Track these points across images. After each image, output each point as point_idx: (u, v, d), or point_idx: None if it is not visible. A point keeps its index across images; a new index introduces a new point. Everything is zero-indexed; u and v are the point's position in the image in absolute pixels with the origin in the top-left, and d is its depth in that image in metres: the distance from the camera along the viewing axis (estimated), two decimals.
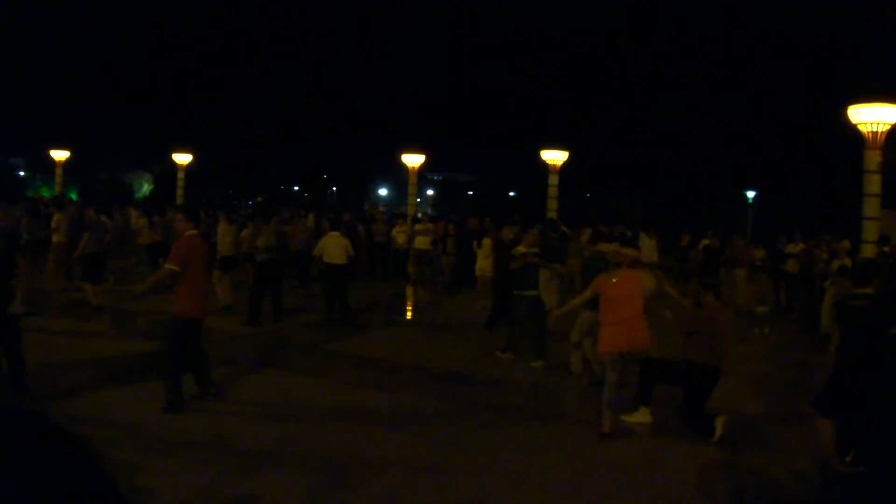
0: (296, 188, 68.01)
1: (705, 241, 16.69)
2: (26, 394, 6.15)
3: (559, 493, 5.02)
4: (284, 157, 58.85)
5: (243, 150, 55.45)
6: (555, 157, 23.34)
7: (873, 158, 13.70)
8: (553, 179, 23.55)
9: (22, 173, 53.75)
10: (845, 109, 13.92)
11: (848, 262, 11.61)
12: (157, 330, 9.93)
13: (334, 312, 11.04)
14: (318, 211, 24.83)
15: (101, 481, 0.83)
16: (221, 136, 49.81)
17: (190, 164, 30.08)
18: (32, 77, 46.71)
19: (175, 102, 47.91)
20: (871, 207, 13.87)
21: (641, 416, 6.52)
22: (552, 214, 22.99)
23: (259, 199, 58.28)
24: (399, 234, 17.78)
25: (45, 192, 39.45)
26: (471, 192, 64.27)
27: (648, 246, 17.19)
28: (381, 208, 41.71)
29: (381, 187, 68.02)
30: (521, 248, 9.12)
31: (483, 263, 13.04)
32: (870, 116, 13.53)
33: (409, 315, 13.57)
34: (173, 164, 30.42)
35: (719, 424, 6.00)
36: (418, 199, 40.26)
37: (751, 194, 41.02)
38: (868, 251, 13.16)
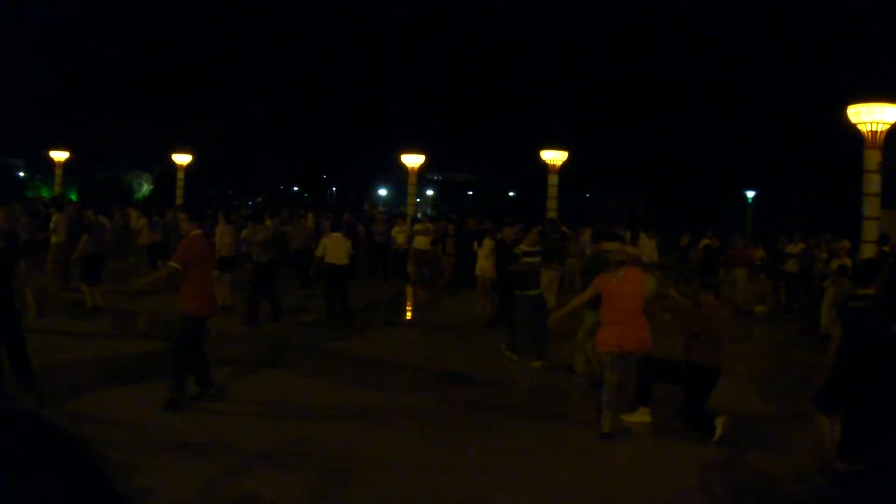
0: (296, 188, 68.04)
1: (705, 241, 16.69)
2: (36, 396, 6.10)
3: (559, 492, 5.02)
4: (284, 157, 58.86)
5: (243, 150, 55.47)
6: (554, 157, 23.35)
7: (873, 158, 13.72)
8: (553, 179, 23.57)
9: (21, 174, 53.76)
10: (845, 109, 13.93)
11: (847, 261, 11.61)
12: (157, 330, 9.97)
13: (334, 312, 11.05)
14: (318, 211, 24.85)
15: (101, 482, 0.83)
16: (221, 136, 49.82)
17: (190, 165, 30.10)
18: (32, 77, 46.71)
19: (175, 102, 47.90)
20: (870, 207, 13.89)
21: (641, 416, 6.52)
22: (552, 214, 23.00)
23: (259, 199, 58.30)
24: (399, 234, 17.78)
25: (45, 193, 39.47)
26: (470, 192, 64.32)
27: (648, 246, 17.21)
28: (380, 208, 41.73)
29: (381, 187, 68.07)
30: (523, 247, 9.12)
31: (483, 263, 13.04)
32: (869, 116, 13.55)
33: (408, 315, 13.57)
34: (173, 164, 30.43)
35: (719, 424, 6.01)
36: (418, 200, 40.26)
37: (750, 194, 41.04)
38: (868, 251, 13.18)
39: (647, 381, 6.55)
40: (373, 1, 59.54)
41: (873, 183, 13.82)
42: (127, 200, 37.38)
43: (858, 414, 3.05)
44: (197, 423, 6.05)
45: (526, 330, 8.94)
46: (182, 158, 29.82)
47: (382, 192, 68.09)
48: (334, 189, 68.46)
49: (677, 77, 46.99)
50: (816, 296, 12.51)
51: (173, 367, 6.47)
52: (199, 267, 6.53)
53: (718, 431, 5.99)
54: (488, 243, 12.99)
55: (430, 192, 68.21)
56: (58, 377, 7.01)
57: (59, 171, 29.88)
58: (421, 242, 16.65)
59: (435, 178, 67.25)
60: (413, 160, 24.33)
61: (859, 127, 13.75)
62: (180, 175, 30.10)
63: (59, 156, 29.56)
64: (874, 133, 13.55)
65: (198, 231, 6.74)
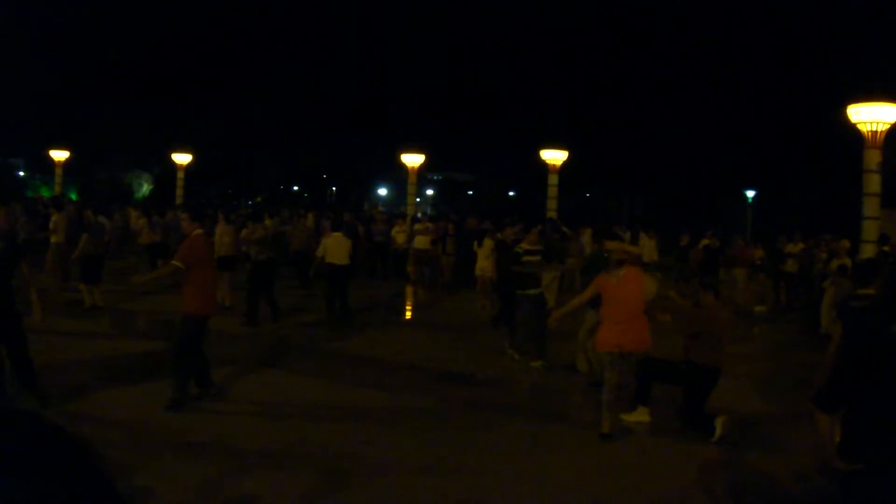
0: (295, 188, 68.03)
1: (705, 241, 16.70)
2: (39, 396, 6.07)
3: (559, 492, 5.02)
4: (284, 157, 58.85)
5: (243, 150, 55.46)
6: (554, 157, 23.35)
7: (873, 158, 13.72)
8: (553, 179, 23.57)
9: (21, 173, 53.73)
10: (845, 109, 13.93)
11: (847, 261, 11.61)
12: (157, 330, 9.97)
13: (334, 312, 11.05)
14: (318, 211, 24.85)
15: (100, 482, 0.83)
16: (221, 136, 49.80)
17: (189, 164, 30.10)
18: (32, 77, 46.70)
19: (175, 102, 47.86)
20: (870, 207, 13.89)
21: (640, 416, 6.51)
22: (552, 214, 23.01)
23: (259, 198, 58.28)
24: (398, 234, 17.78)
25: (45, 193, 39.44)
26: (470, 192, 64.32)
27: (648, 246, 17.22)
28: (380, 208, 41.72)
29: (381, 187, 68.05)
30: (524, 245, 9.14)
31: (483, 263, 13.03)
32: (869, 116, 13.55)
33: (408, 315, 13.57)
34: (173, 164, 30.43)
35: (719, 424, 6.01)
36: (418, 199, 40.25)
37: (750, 194, 41.04)
38: (868, 251, 13.17)
39: (646, 380, 6.55)
40: (373, 1, 59.53)
41: (873, 183, 13.82)
42: (127, 200, 37.39)
43: (858, 414, 3.06)
44: (197, 423, 6.05)
45: (526, 330, 8.94)
46: (182, 158, 29.82)
47: (382, 191, 68.08)
48: (334, 189, 68.45)
49: (677, 77, 47.01)
50: (816, 296, 12.51)
51: (175, 368, 6.49)
52: (201, 267, 6.55)
53: (718, 431, 5.99)
54: (488, 243, 12.99)
55: (430, 192, 68.19)
56: (58, 377, 7.01)
57: (58, 171, 29.88)
58: (421, 242, 16.65)
59: (435, 177, 67.24)
60: (413, 160, 24.32)
61: (859, 127, 13.75)
62: (180, 175, 30.10)
63: (59, 155, 29.56)
64: (874, 133, 13.55)
65: (200, 231, 6.76)
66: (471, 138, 53.66)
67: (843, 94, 14.19)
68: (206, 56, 54.66)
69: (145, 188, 54.76)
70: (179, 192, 30.02)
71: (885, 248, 13.06)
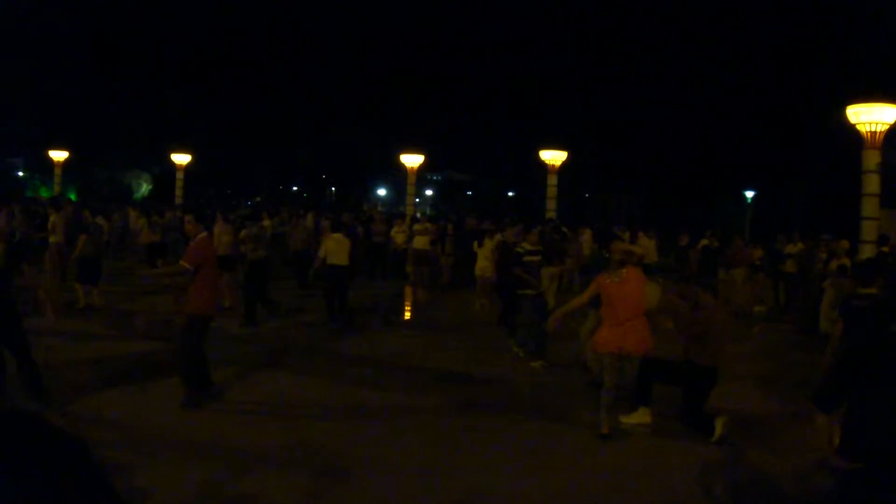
0: (295, 188, 68.01)
1: (704, 242, 16.70)
2: (42, 397, 6.03)
3: (559, 492, 5.02)
4: (284, 157, 58.83)
5: (242, 150, 55.43)
6: (554, 157, 23.37)
7: (872, 158, 13.74)
8: (552, 179, 23.58)
9: (21, 173, 53.69)
10: (845, 109, 13.95)
11: (847, 262, 11.61)
12: (156, 330, 9.97)
13: (334, 313, 11.05)
14: (317, 211, 24.85)
15: (99, 482, 0.83)
16: (221, 136, 49.81)
17: (189, 164, 30.10)
18: (31, 77, 46.63)
19: (175, 102, 47.79)
20: (869, 207, 13.91)
21: (641, 417, 6.49)
22: (551, 214, 23.04)
23: (258, 198, 58.24)
24: (398, 234, 17.78)
25: (44, 193, 39.40)
26: (469, 193, 64.31)
27: (648, 246, 17.20)
28: (379, 208, 41.71)
29: (380, 187, 68.01)
30: (525, 245, 9.15)
31: (483, 263, 13.05)
32: (869, 116, 13.58)
33: (407, 315, 13.57)
34: (172, 164, 30.43)
35: (719, 424, 6.00)
36: (417, 200, 40.25)
37: (750, 194, 41.07)
38: (867, 251, 13.19)
39: (647, 381, 6.54)
40: (373, 1, 59.53)
41: (872, 183, 13.84)
42: (126, 200, 37.36)
43: (858, 413, 3.06)
44: (197, 423, 6.05)
45: (526, 330, 8.95)
46: (181, 158, 29.82)
47: (382, 191, 68.05)
48: (333, 189, 68.43)
49: (677, 77, 47.04)
50: (815, 296, 12.51)
51: (182, 368, 6.53)
52: (205, 268, 6.61)
53: (718, 431, 5.99)
54: (489, 243, 13.00)
55: (429, 192, 68.17)
56: (57, 377, 7.00)
57: (58, 171, 29.86)
58: (420, 242, 16.64)
59: (434, 178, 67.21)
60: (412, 160, 24.33)
61: (859, 127, 13.77)
62: (179, 175, 30.10)
63: (59, 156, 29.55)
64: (873, 133, 13.57)
65: (205, 233, 6.83)
66: (470, 138, 53.68)
67: (843, 95, 14.21)
68: (205, 56, 54.65)
69: (144, 188, 54.73)
70: (179, 192, 30.03)
71: (885, 249, 13.07)
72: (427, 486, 4.99)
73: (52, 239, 12.88)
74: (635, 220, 31.17)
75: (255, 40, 57.47)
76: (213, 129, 48.95)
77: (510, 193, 59.58)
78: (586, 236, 17.77)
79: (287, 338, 10.08)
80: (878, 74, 15.47)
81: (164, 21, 52.62)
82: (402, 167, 25.01)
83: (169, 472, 4.96)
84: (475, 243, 13.85)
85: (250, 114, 53.03)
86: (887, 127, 13.53)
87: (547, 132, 24.63)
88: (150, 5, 54.20)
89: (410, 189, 25.82)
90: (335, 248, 10.93)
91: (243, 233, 11.78)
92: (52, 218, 13.21)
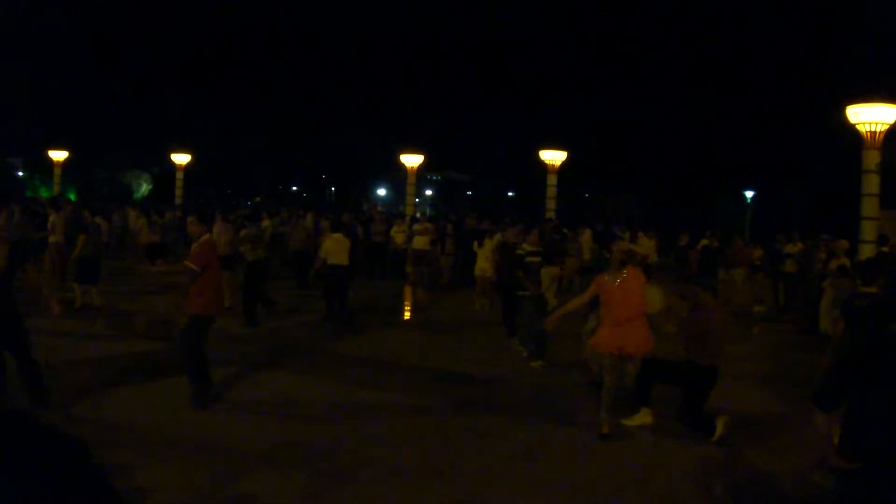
0: (294, 188, 68.00)
1: (704, 242, 16.70)
2: (43, 400, 6.00)
3: (559, 492, 5.02)
4: (284, 157, 58.83)
5: (242, 150, 55.43)
6: (554, 156, 23.36)
7: (872, 158, 13.74)
8: (552, 179, 23.58)
9: (20, 173, 53.66)
10: (845, 109, 13.95)
11: (846, 262, 11.60)
12: (156, 330, 9.97)
13: (334, 312, 11.06)
14: (317, 211, 24.85)
15: (99, 483, 0.83)
16: (221, 136, 49.80)
17: (189, 164, 30.09)
18: (31, 77, 46.64)
19: (175, 102, 47.81)
20: (869, 207, 13.91)
21: (643, 418, 6.47)
22: (550, 214, 23.04)
23: (258, 199, 58.24)
24: (397, 234, 17.78)
25: (44, 193, 39.38)
26: (469, 192, 64.31)
27: (647, 246, 17.21)
28: (379, 208, 41.69)
29: (380, 187, 68.00)
30: (526, 247, 9.15)
31: (483, 264, 13.04)
32: (868, 116, 13.58)
33: (407, 315, 13.57)
34: (172, 164, 30.42)
35: (720, 424, 5.98)
36: (417, 199, 40.28)
37: (749, 194, 41.08)
38: (867, 251, 13.19)
39: (648, 382, 6.53)
40: (372, 1, 59.54)
41: (872, 183, 13.85)
42: (126, 200, 37.35)
43: (857, 412, 3.06)
44: (196, 423, 6.05)
45: (526, 330, 8.95)
46: (181, 158, 29.82)
47: (381, 191, 68.04)
48: (333, 189, 68.42)
49: (677, 77, 47.04)
50: (815, 296, 12.51)
51: (189, 367, 6.55)
52: (209, 269, 6.64)
53: (719, 431, 5.96)
54: (489, 244, 12.99)
55: (428, 192, 68.16)
56: (57, 377, 7.00)
57: (57, 171, 29.86)
58: (420, 242, 16.65)
59: (434, 178, 67.20)
60: (412, 160, 24.33)
61: (858, 127, 13.78)
62: (179, 175, 30.09)
63: (58, 155, 29.54)
64: (873, 133, 13.58)
65: (208, 235, 6.88)
66: (470, 138, 53.70)
67: (843, 95, 14.21)
68: (205, 56, 54.65)
69: (144, 188, 54.72)
70: (178, 192, 30.02)
71: (884, 249, 13.06)
72: (427, 485, 4.99)
73: (51, 239, 12.87)
74: (635, 220, 31.18)
75: (255, 40, 57.49)
76: (213, 129, 48.94)
77: (510, 193, 59.58)
78: (586, 236, 17.78)
79: (287, 338, 10.08)
80: (878, 74, 15.45)
81: (164, 21, 52.61)
82: (401, 167, 25.00)
83: (169, 472, 4.96)
84: (475, 243, 13.85)
85: (250, 114, 53.04)
86: (887, 127, 13.53)
87: (547, 132, 24.62)
88: (150, 5, 54.19)
89: (410, 189, 25.81)
90: (335, 248, 10.95)
91: (243, 232, 11.78)
92: (51, 218, 13.21)
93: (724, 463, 5.74)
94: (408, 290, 16.04)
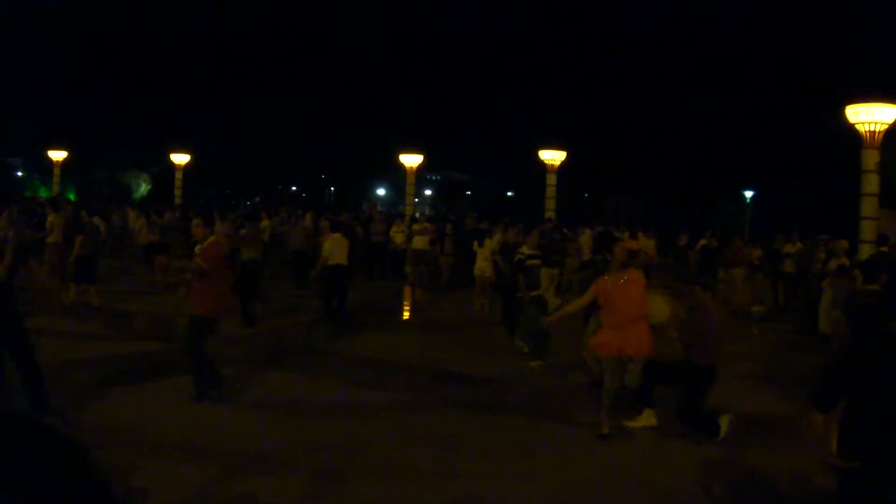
0: (294, 188, 67.97)
1: (703, 241, 16.70)
2: (41, 399, 5.93)
3: (559, 493, 5.02)
4: (284, 157, 58.81)
5: (242, 150, 55.41)
6: (553, 156, 23.36)
7: (871, 158, 13.74)
8: (551, 179, 23.58)
9: (20, 173, 53.63)
10: (844, 109, 13.95)
11: (846, 261, 11.60)
12: (155, 331, 9.97)
13: (333, 312, 11.06)
14: (316, 211, 24.84)
15: (97, 485, 0.83)
16: (221, 136, 49.78)
17: (188, 165, 30.08)
18: (31, 77, 46.63)
19: (174, 102, 47.78)
20: (868, 207, 13.91)
21: (647, 419, 6.44)
22: (550, 214, 23.04)
23: (257, 198, 58.22)
24: (397, 234, 17.78)
25: (43, 193, 39.37)
26: (469, 192, 64.27)
27: (647, 246, 17.21)
28: (379, 208, 41.68)
29: (380, 187, 67.99)
30: (526, 250, 9.15)
31: (482, 264, 13.03)
32: (868, 116, 13.58)
33: (407, 315, 13.57)
34: (171, 164, 30.41)
35: (724, 423, 5.96)
36: (416, 199, 40.25)
37: (749, 194, 41.08)
38: (866, 251, 13.19)
39: (650, 383, 6.51)
40: (372, 1, 59.55)
41: (871, 183, 13.85)
42: (125, 200, 37.33)
43: (856, 411, 3.05)
44: (196, 423, 6.05)
45: (526, 330, 8.95)
46: (180, 158, 29.80)
47: (381, 191, 68.01)
48: (332, 189, 68.39)
49: (676, 77, 47.05)
50: (814, 296, 12.51)
51: (193, 366, 6.57)
52: (216, 271, 6.66)
53: (724, 429, 5.94)
54: (489, 243, 12.99)
55: (428, 192, 68.14)
56: (56, 378, 6.99)
57: (57, 171, 29.85)
58: (419, 242, 16.64)
59: (433, 177, 67.18)
60: (411, 160, 24.32)
61: (858, 127, 13.78)
62: (178, 175, 30.08)
63: (58, 155, 29.53)
64: (872, 133, 13.58)
65: (213, 237, 6.91)
66: (469, 138, 53.67)
67: (843, 95, 14.21)
68: (205, 56, 54.65)
69: (143, 188, 54.68)
70: (178, 192, 30.01)
71: (884, 249, 13.06)
72: (426, 485, 4.99)
73: (50, 239, 12.88)
74: (635, 220, 31.17)
75: (255, 40, 57.47)
76: (213, 129, 48.92)
77: (510, 193, 59.55)
78: (586, 236, 17.78)
79: (287, 338, 10.08)
80: (877, 74, 15.45)
81: (164, 21, 52.61)
82: (401, 167, 25.00)
83: (169, 472, 4.96)
84: (475, 243, 13.85)
85: (250, 114, 53.03)
86: (886, 126, 13.53)
87: (546, 132, 24.61)
88: (150, 5, 54.19)
89: (410, 189, 25.81)
90: (334, 248, 10.95)
91: (243, 231, 11.79)
92: (50, 218, 13.21)
93: (724, 462, 5.73)
94: (407, 290, 16.04)
